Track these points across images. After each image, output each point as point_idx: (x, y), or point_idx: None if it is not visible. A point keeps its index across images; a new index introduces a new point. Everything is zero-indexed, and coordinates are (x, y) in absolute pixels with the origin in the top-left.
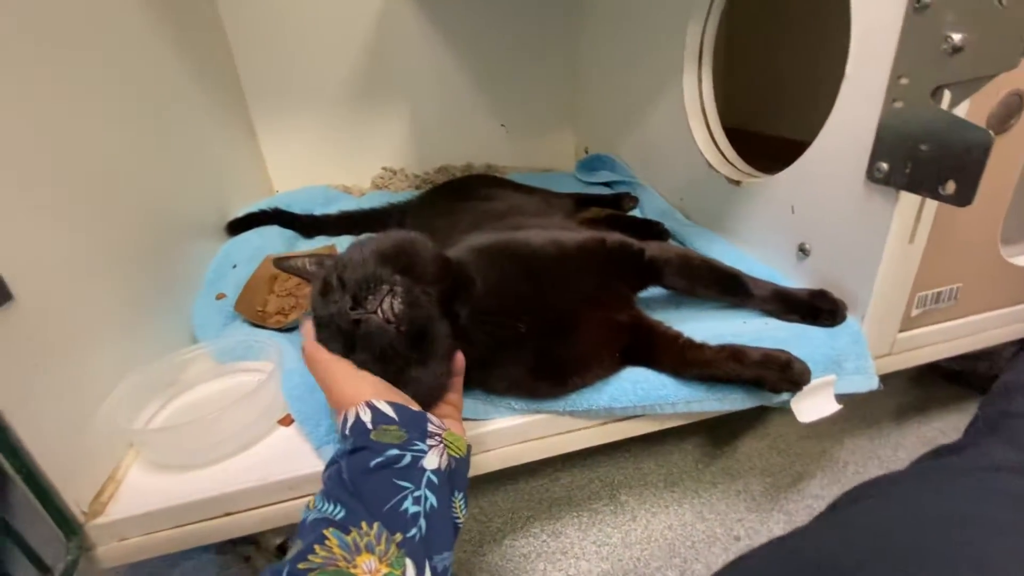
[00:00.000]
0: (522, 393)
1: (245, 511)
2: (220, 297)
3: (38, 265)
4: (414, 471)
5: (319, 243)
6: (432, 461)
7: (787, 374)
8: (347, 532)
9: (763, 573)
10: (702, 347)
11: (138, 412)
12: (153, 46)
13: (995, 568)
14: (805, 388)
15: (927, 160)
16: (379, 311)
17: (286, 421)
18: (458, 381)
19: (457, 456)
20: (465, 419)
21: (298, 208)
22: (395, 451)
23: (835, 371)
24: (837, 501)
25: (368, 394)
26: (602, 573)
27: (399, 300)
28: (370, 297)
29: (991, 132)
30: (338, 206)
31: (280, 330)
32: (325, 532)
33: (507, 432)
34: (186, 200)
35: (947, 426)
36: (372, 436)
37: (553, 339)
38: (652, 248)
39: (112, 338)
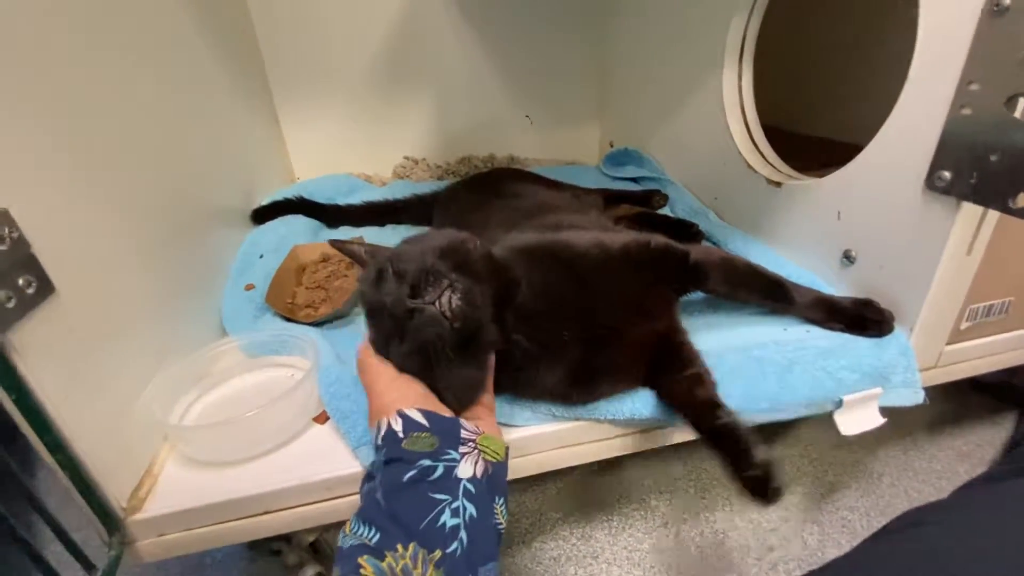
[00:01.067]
0: (552, 400)
1: (283, 510)
2: (249, 288)
3: (77, 257)
4: (449, 481)
5: (343, 233)
6: (467, 470)
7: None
8: (382, 558)
9: None
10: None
11: (172, 406)
12: (178, 32)
13: None
14: (848, 400)
15: (997, 171)
16: (437, 303)
17: (321, 419)
18: (489, 380)
19: (494, 460)
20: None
21: (321, 197)
22: (428, 461)
23: (881, 384)
24: (888, 526)
25: (400, 403)
26: None
27: (457, 296)
28: (429, 289)
29: None
30: (361, 195)
31: (311, 324)
32: (360, 561)
33: (545, 438)
34: (212, 188)
35: (982, 439)
36: (404, 445)
37: (594, 347)
38: (696, 252)
39: (146, 329)
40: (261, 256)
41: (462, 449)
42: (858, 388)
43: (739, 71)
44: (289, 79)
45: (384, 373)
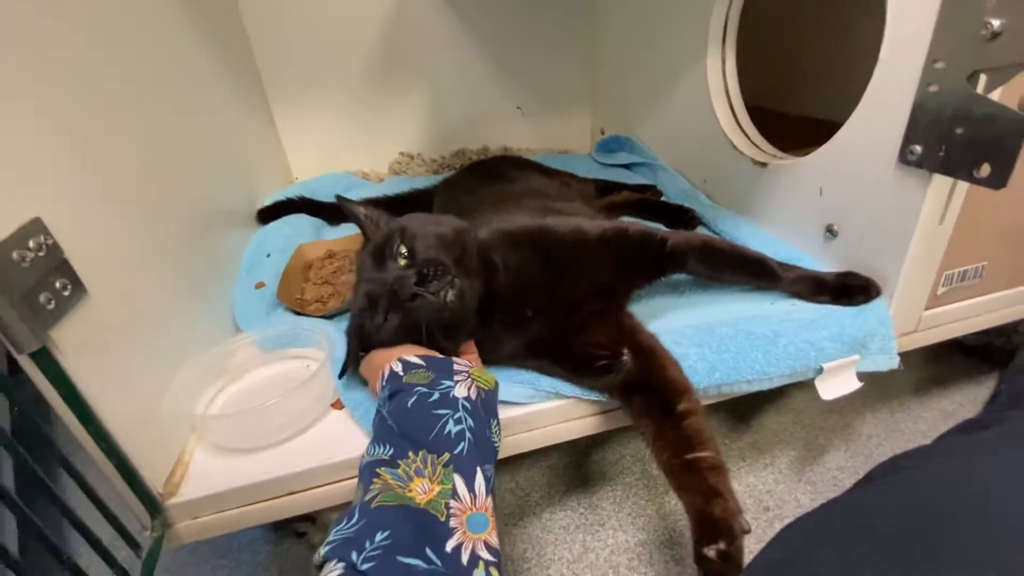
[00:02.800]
0: (511, 363)
1: (308, 490)
2: (260, 286)
3: (106, 258)
4: (448, 400)
5: (345, 231)
6: (462, 391)
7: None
8: (396, 467)
9: (810, 539)
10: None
11: (197, 398)
12: (179, 43)
13: None
14: (828, 367)
15: (962, 143)
16: (439, 295)
17: (338, 405)
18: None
19: (486, 388)
20: (505, 402)
21: (319, 196)
22: (424, 389)
23: (860, 351)
24: (872, 472)
25: (399, 354)
26: (639, 543)
27: (455, 292)
28: (435, 281)
29: None
30: (358, 193)
31: (321, 317)
32: (378, 471)
33: (550, 412)
34: (216, 191)
35: (966, 399)
36: (404, 379)
37: (555, 326)
38: (675, 237)
39: (168, 327)
40: (268, 255)
41: (456, 378)
42: (838, 356)
43: (722, 56)
44: (282, 80)
45: (378, 350)
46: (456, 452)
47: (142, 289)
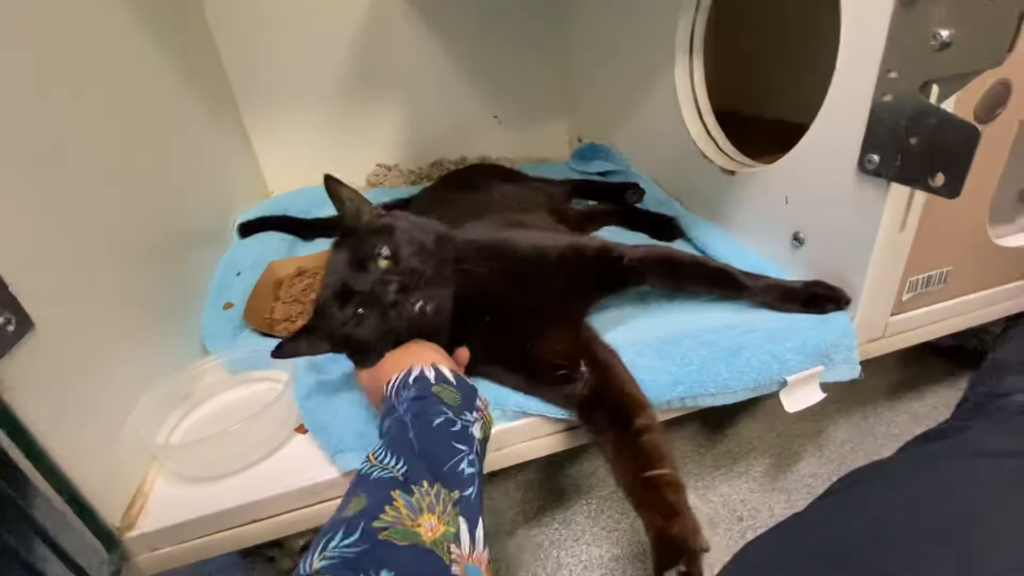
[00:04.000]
0: (499, 381)
1: (271, 517)
2: (228, 307)
3: (54, 291)
4: (467, 436)
5: (319, 247)
6: (478, 431)
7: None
8: (411, 493)
9: (767, 560)
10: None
11: (159, 426)
12: (142, 57)
13: (979, 550)
14: (792, 380)
15: (917, 153)
16: (418, 306)
17: (302, 429)
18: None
19: (488, 435)
20: None
21: (295, 210)
22: (451, 415)
23: (823, 362)
24: (832, 487)
25: (433, 360)
26: (613, 558)
27: (432, 305)
28: (416, 292)
29: (978, 127)
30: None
31: None
32: (392, 494)
33: (519, 431)
34: (186, 210)
35: (939, 402)
36: (433, 389)
37: (515, 333)
38: (633, 252)
39: (129, 355)
40: (238, 274)
41: (475, 414)
42: (802, 368)
43: (690, 65)
44: (255, 94)
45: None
46: (465, 494)
47: (100, 319)
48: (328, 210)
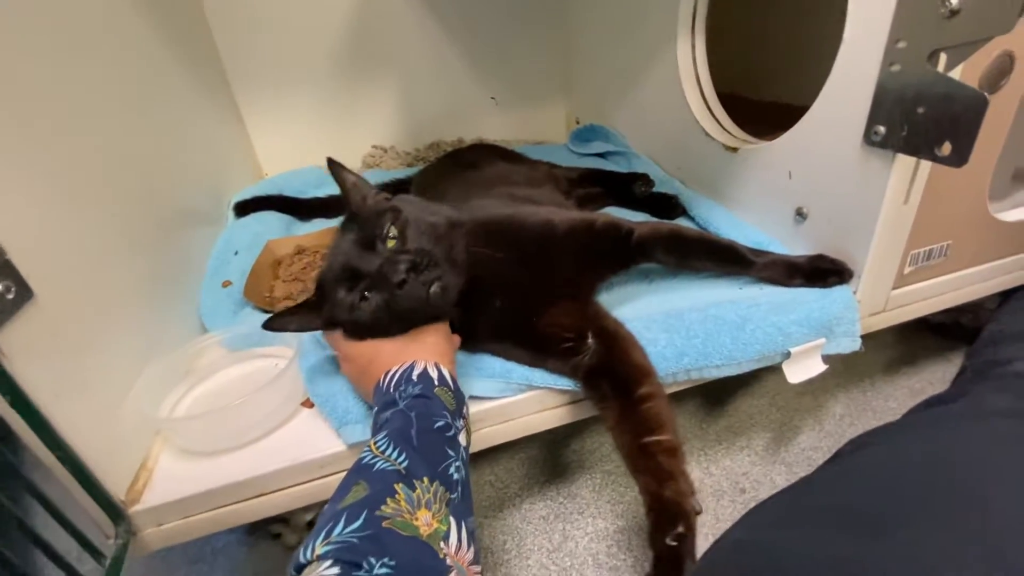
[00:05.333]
0: (506, 356)
1: (278, 491)
2: (226, 284)
3: (53, 261)
4: (456, 443)
5: (317, 227)
6: (464, 440)
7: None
8: (412, 488)
9: (775, 522)
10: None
11: (161, 401)
12: (136, 35)
13: (995, 508)
14: (795, 352)
15: (924, 122)
16: (427, 287)
17: (309, 403)
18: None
19: (468, 443)
20: (478, 397)
21: (290, 191)
22: (448, 420)
23: (826, 335)
24: (840, 450)
25: (439, 359)
26: (618, 530)
27: (440, 285)
28: (425, 272)
29: (986, 94)
30: (332, 188)
31: None
32: (396, 487)
33: (523, 403)
34: (181, 188)
35: (934, 376)
36: (435, 390)
37: (521, 316)
38: (642, 228)
39: (128, 329)
40: (236, 253)
41: (462, 422)
42: (805, 340)
43: (692, 41)
44: (249, 74)
45: (435, 331)
46: (452, 497)
47: (99, 291)
48: (324, 191)
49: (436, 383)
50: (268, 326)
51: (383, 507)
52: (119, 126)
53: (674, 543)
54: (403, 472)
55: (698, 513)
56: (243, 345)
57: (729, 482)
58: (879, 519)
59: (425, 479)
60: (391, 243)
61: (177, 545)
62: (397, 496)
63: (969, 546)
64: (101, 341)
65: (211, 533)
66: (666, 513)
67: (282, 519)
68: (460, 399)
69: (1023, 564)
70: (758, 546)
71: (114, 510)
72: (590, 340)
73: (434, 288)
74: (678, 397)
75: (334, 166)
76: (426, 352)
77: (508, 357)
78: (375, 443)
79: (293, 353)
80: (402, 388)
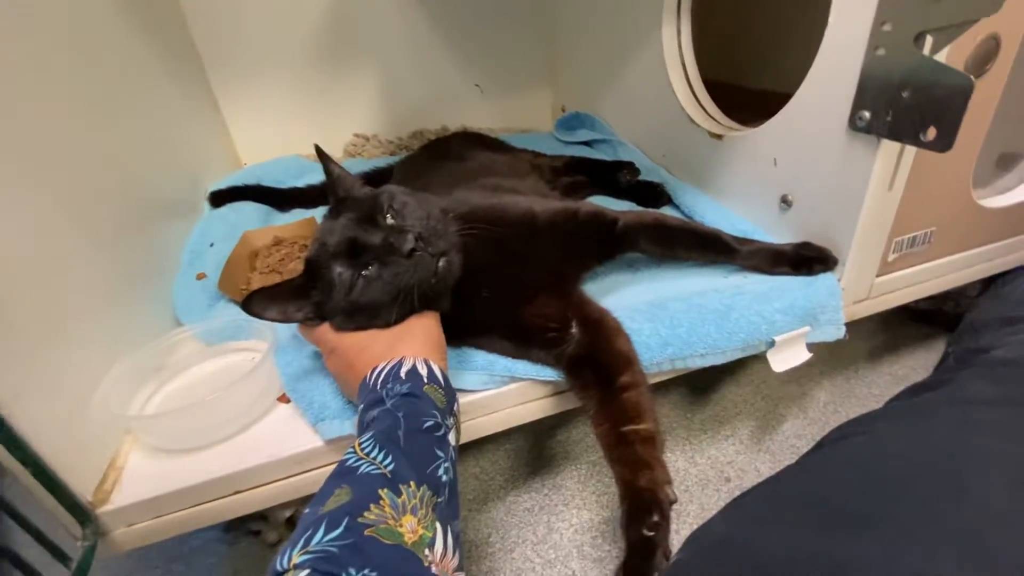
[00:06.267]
0: (489, 349)
1: (254, 488)
2: (200, 277)
3: (11, 255)
4: (446, 443)
5: (296, 216)
6: (453, 438)
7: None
8: (398, 493)
9: (756, 518)
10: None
11: (131, 399)
12: (105, 21)
13: (973, 497)
14: (779, 340)
15: (909, 107)
16: (436, 258)
17: (285, 399)
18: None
19: (458, 441)
20: (461, 390)
21: (270, 181)
22: (439, 419)
23: (810, 323)
24: (823, 440)
25: (429, 354)
26: (603, 520)
27: (447, 260)
28: (435, 241)
29: (972, 77)
30: (311, 177)
31: None
32: (380, 492)
33: (507, 395)
34: (153, 180)
35: (917, 363)
36: (425, 388)
37: (508, 306)
38: (626, 217)
39: (96, 325)
40: (212, 245)
41: (452, 420)
42: (789, 328)
43: (677, 27)
44: (225, 63)
45: (423, 324)
46: (439, 500)
47: (63, 287)
48: (305, 180)
49: (425, 380)
50: (246, 306)
51: (366, 513)
52: (85, 117)
53: (650, 533)
54: (389, 476)
55: (673, 502)
56: (218, 339)
57: (714, 471)
58: (859, 514)
59: (412, 483)
60: (390, 220)
61: (153, 544)
62: (382, 502)
63: (947, 536)
64: (66, 338)
65: (185, 532)
66: (640, 502)
67: (261, 516)
68: (451, 396)
69: (1002, 550)
70: (738, 544)
71: (81, 512)
72: (574, 329)
73: (442, 262)
74: (663, 387)
75: (322, 153)
76: (416, 346)
77: (492, 349)
78: (360, 444)
79: (267, 347)
80: (389, 386)
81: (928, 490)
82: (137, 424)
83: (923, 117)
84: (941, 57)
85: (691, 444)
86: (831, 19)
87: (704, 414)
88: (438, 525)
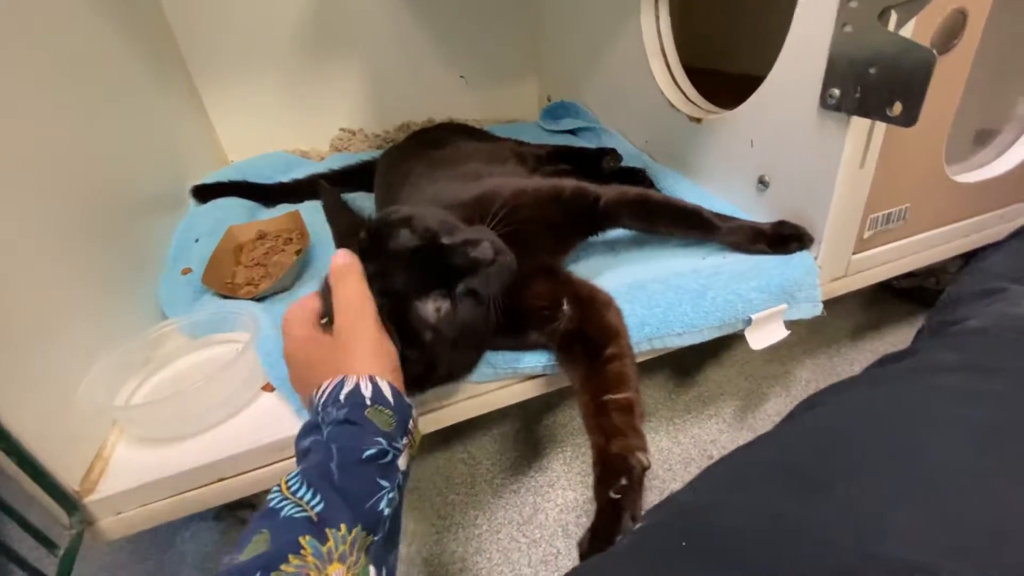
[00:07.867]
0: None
1: (238, 475)
2: (186, 272)
3: None
4: (391, 470)
5: (282, 211)
6: (404, 462)
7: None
8: (323, 540)
9: (729, 479)
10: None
11: (117, 391)
12: (82, 17)
13: (934, 455)
14: (756, 318)
15: (875, 83)
16: (488, 264)
17: (269, 387)
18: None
19: (412, 457)
20: None
21: (256, 177)
22: (384, 444)
23: (787, 300)
24: (794, 410)
25: (372, 369)
26: (587, 500)
27: (510, 254)
28: (502, 252)
29: (935, 51)
30: (301, 171)
31: (252, 300)
32: (301, 541)
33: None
34: (137, 177)
35: (899, 340)
36: (367, 412)
37: (510, 291)
38: (609, 192)
39: (81, 320)
40: (197, 240)
41: (405, 440)
42: (766, 306)
43: (656, 13)
44: (207, 58)
45: (370, 328)
46: (377, 537)
47: (46, 282)
48: (291, 176)
49: (368, 402)
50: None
51: (283, 566)
52: (67, 116)
53: (617, 495)
54: (315, 520)
55: (646, 468)
56: (202, 332)
57: (698, 450)
58: (821, 476)
59: (343, 525)
60: (446, 240)
61: (144, 536)
62: (303, 551)
63: (904, 493)
64: (52, 331)
65: (173, 519)
66: (610, 466)
67: (249, 504)
68: (403, 413)
69: (958, 504)
70: (701, 509)
71: (68, 500)
72: (565, 307)
73: (510, 257)
74: (647, 369)
75: (327, 208)
76: (362, 360)
77: (493, 347)
78: (287, 482)
79: (249, 337)
80: (329, 409)
81: (888, 452)
82: (122, 414)
83: (890, 92)
84: (906, 32)
85: (675, 424)
86: None
87: (688, 395)
88: (372, 569)
